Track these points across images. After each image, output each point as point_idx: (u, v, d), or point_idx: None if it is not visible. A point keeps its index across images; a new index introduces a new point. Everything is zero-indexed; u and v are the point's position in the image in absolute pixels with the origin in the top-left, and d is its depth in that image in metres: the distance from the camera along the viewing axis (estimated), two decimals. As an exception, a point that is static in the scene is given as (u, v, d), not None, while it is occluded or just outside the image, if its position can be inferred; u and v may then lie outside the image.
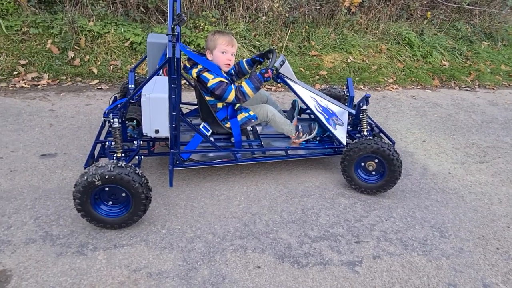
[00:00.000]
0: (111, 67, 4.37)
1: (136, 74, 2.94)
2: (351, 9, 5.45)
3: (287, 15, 5.14)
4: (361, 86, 4.88)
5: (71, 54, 4.30)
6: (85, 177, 1.99)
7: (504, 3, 6.33)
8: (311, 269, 2.04)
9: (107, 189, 2.05)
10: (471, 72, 5.54)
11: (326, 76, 4.87)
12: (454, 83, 5.32)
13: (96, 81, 4.19)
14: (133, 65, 3.18)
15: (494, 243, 2.35)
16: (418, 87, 5.07)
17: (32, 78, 4.05)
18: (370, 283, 1.98)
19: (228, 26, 4.92)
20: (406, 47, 5.60)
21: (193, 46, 4.62)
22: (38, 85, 3.98)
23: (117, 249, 2.04)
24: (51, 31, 4.36)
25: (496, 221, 2.55)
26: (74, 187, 2.02)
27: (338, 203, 2.58)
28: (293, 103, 2.98)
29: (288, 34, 5.14)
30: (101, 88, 4.07)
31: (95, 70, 4.26)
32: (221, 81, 2.44)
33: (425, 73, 5.33)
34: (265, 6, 5.07)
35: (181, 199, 2.47)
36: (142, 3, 4.78)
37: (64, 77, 4.16)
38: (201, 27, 4.79)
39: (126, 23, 4.68)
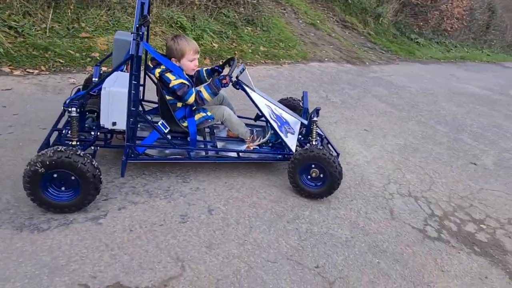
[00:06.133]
0: None
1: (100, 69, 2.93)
2: (120, -8, 5.53)
3: (47, -6, 4.82)
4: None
5: None
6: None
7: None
8: (52, 231, 2.13)
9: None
10: (236, 52, 6.49)
11: (98, 57, 4.85)
12: (222, 61, 6.13)
13: None
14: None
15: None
16: (192, 66, 5.63)
17: None
18: (111, 230, 2.23)
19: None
20: (179, 30, 6.09)
21: None
22: None
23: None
24: None
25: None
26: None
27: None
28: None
29: (51, 14, 4.84)
30: None
31: None
32: (183, 83, 2.62)
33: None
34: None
35: None
36: None
37: None
38: None
39: None
